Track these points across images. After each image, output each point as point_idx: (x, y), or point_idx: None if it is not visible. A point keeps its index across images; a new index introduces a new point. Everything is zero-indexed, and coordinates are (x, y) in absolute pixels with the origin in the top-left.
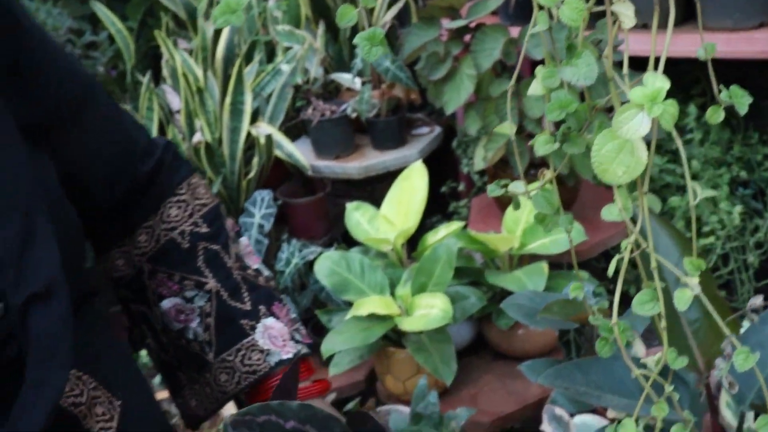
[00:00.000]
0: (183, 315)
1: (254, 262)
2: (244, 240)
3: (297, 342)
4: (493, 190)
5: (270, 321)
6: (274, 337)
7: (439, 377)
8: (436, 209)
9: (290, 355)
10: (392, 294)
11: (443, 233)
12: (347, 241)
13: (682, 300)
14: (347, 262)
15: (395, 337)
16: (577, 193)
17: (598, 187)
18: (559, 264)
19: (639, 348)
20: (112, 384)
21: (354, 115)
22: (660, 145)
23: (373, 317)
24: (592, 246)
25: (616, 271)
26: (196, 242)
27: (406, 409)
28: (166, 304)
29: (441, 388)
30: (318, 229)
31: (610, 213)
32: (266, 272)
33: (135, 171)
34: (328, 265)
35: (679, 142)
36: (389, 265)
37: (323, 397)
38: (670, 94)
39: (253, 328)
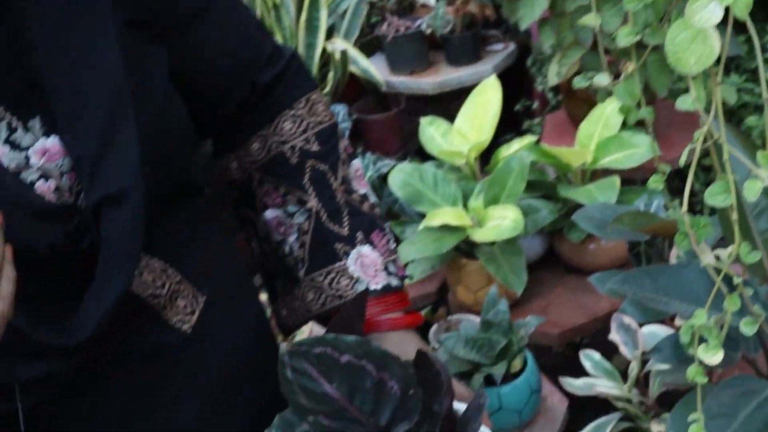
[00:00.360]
0: (283, 228)
1: (362, 187)
2: (356, 163)
3: (389, 274)
4: (579, 81)
5: (365, 249)
6: (366, 265)
7: (509, 287)
8: (510, 128)
9: (378, 286)
10: (465, 206)
11: (516, 147)
12: (421, 157)
13: (752, 190)
14: (421, 174)
15: (467, 249)
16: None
17: (672, 107)
18: (631, 180)
19: (707, 255)
20: (201, 280)
21: (428, 31)
22: (738, 63)
23: (445, 228)
24: (665, 163)
25: (688, 166)
26: (305, 159)
27: (476, 318)
28: (269, 214)
29: (511, 299)
30: (392, 145)
31: (684, 102)
32: (372, 199)
33: (254, 80)
34: (401, 177)
35: (759, 58)
36: (462, 179)
37: (413, 330)
38: (751, 11)
39: (347, 254)
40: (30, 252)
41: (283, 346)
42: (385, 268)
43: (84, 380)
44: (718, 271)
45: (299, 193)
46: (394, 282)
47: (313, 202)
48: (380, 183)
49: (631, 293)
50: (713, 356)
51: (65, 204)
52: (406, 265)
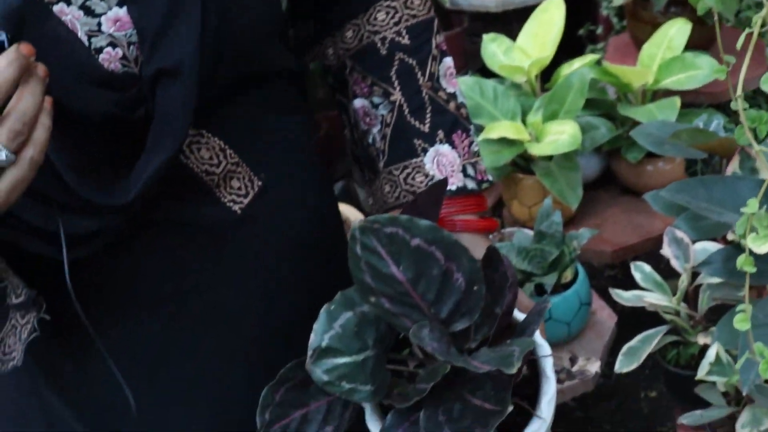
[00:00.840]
0: (368, 118)
1: (451, 86)
2: (448, 61)
3: (467, 176)
4: None
5: (445, 148)
6: (443, 164)
7: (564, 201)
8: (573, 53)
9: (453, 187)
10: (523, 122)
11: (578, 65)
12: (483, 76)
13: None
14: (481, 87)
15: (523, 164)
16: (715, 35)
17: (737, 31)
18: (692, 104)
19: (765, 172)
20: (260, 166)
21: None
22: None
23: (503, 141)
24: (727, 88)
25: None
26: (394, 52)
27: (530, 232)
28: (357, 103)
29: (566, 217)
30: (454, 63)
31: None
32: (461, 99)
33: None
34: (462, 89)
35: None
36: (522, 95)
37: (486, 235)
38: None
39: (425, 151)
40: (85, 117)
41: (357, 221)
42: (463, 170)
43: (133, 244)
44: None
45: (385, 85)
46: (471, 184)
47: (397, 95)
48: None
49: (685, 202)
50: (762, 245)
51: (128, 74)
52: None
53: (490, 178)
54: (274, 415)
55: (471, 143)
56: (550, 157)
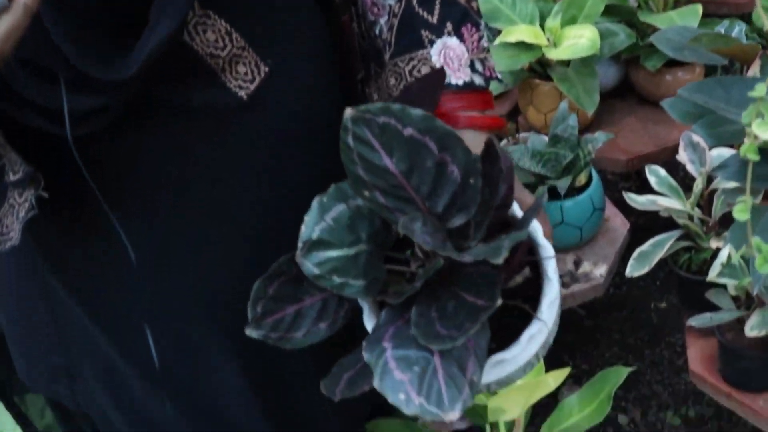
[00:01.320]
0: (376, 8)
1: None
2: None
3: (474, 71)
4: None
5: (453, 41)
6: (450, 58)
7: (581, 106)
8: None
9: (460, 81)
10: (541, 26)
11: None
12: None
13: None
14: None
15: (540, 70)
16: None
17: None
18: (714, 14)
19: None
20: (267, 52)
21: None
22: None
23: (520, 45)
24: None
25: None
26: None
27: (545, 136)
28: None
29: (582, 125)
30: None
31: None
32: None
33: None
34: None
35: None
36: (541, 0)
37: (491, 133)
38: None
39: (432, 43)
40: None
41: (348, 110)
42: (471, 65)
43: (137, 125)
44: None
45: None
46: (478, 80)
47: None
48: None
49: (702, 102)
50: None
51: None
52: None
53: (499, 75)
54: (267, 309)
55: (480, 38)
56: (567, 63)
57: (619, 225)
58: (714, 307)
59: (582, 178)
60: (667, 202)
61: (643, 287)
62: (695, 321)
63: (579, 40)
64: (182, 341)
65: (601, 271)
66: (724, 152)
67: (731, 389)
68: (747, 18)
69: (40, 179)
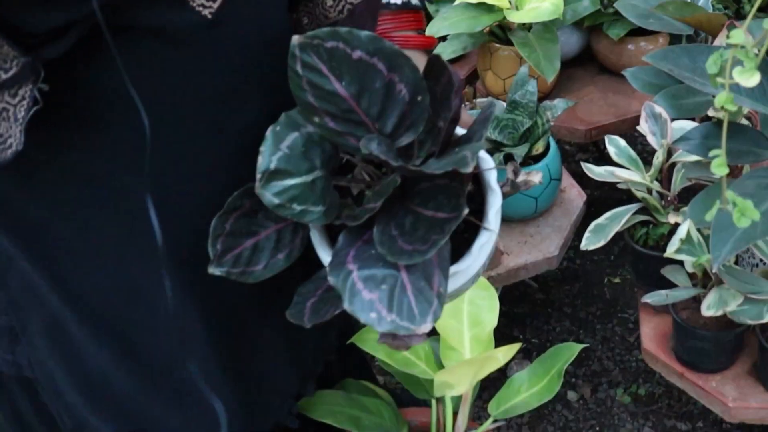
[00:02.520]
0: None
1: None
2: None
3: None
4: None
5: None
6: None
7: (541, 72)
8: None
9: (399, 1)
10: None
11: None
12: None
13: None
14: None
15: (501, 34)
16: None
17: None
18: None
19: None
20: None
21: None
22: None
23: (481, 6)
24: None
25: None
26: None
27: (503, 103)
28: None
29: (541, 93)
30: None
31: None
32: None
33: None
34: None
35: None
36: None
37: (425, 52)
38: None
39: None
40: None
41: (296, 38)
42: None
43: (104, 50)
44: None
45: None
46: (414, 0)
47: None
48: None
49: (667, 69)
50: (750, 78)
51: None
52: (439, 40)
53: None
54: (226, 246)
55: None
56: (529, 27)
57: (575, 196)
58: (670, 284)
59: (539, 147)
60: (626, 174)
61: (598, 261)
62: (650, 298)
63: (542, 3)
64: (136, 285)
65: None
66: (686, 125)
67: (684, 369)
68: None
69: (39, 69)
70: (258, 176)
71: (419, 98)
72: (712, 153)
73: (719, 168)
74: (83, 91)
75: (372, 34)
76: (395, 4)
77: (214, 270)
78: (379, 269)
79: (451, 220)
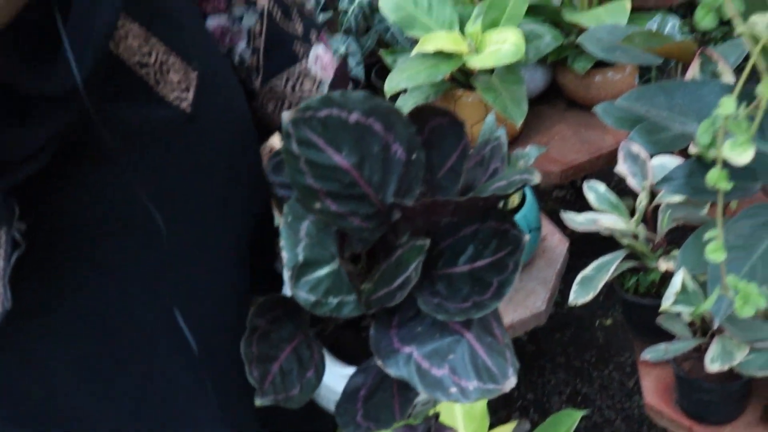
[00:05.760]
0: (227, 37)
1: None
2: None
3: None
4: None
5: (320, 49)
6: (325, 65)
7: (508, 117)
8: None
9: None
10: (462, 32)
11: None
12: None
13: None
14: None
15: (463, 79)
16: None
17: None
18: (641, 7)
19: (728, 75)
20: (190, 54)
21: None
22: None
23: (440, 55)
24: None
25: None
26: None
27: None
28: (211, 22)
29: (510, 136)
30: None
31: None
32: (309, 4)
33: None
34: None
35: None
36: (459, 3)
37: None
38: None
39: (306, 54)
40: None
41: (286, 115)
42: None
43: (88, 153)
44: (756, 40)
45: None
46: (354, 71)
47: (263, 1)
48: (371, 11)
49: (643, 111)
50: (743, 153)
51: None
52: (395, 97)
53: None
54: (260, 372)
55: (328, 40)
56: (491, 71)
57: (557, 243)
58: (666, 333)
59: (515, 199)
60: (609, 220)
61: (587, 305)
62: (649, 354)
63: (502, 45)
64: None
65: (541, 297)
66: (667, 161)
67: (692, 422)
68: (676, 10)
69: (13, 207)
70: (288, 274)
71: (414, 156)
72: (707, 236)
73: (715, 254)
74: (75, 212)
75: (365, 93)
76: None
77: (262, 401)
78: (438, 341)
79: (508, 255)
